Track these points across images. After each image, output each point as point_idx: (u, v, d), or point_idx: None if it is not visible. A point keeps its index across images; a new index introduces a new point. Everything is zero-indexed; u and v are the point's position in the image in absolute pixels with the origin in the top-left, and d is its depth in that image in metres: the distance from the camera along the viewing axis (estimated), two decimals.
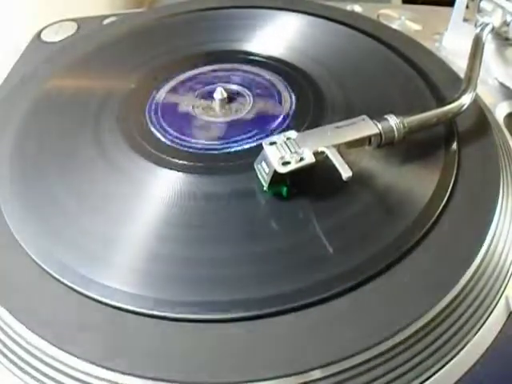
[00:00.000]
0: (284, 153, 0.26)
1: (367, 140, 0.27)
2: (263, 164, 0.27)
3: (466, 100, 0.30)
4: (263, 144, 0.27)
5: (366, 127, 0.27)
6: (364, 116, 0.28)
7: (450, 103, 0.29)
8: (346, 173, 0.25)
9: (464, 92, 0.30)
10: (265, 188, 0.27)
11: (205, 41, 0.39)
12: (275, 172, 0.26)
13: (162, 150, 0.30)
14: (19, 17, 0.56)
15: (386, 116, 0.28)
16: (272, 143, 0.27)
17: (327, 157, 0.26)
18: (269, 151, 0.26)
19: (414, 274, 0.24)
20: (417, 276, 0.24)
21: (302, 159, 0.26)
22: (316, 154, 0.26)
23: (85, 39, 0.42)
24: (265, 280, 0.24)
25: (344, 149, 0.27)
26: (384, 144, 0.28)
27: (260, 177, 0.27)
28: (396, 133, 0.27)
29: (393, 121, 0.28)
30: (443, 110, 0.29)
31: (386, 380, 0.22)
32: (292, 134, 0.27)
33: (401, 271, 0.24)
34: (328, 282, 0.24)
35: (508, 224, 0.27)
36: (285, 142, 0.26)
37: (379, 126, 0.27)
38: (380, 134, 0.27)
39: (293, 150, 0.26)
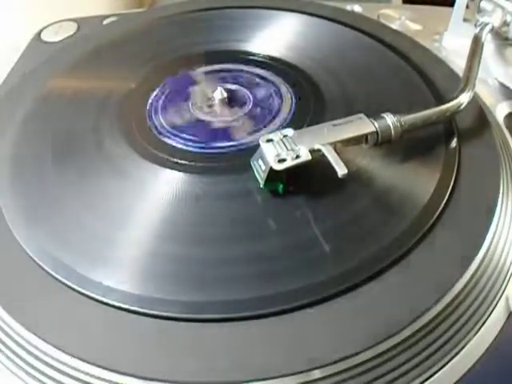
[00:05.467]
0: (280, 150, 0.26)
1: (364, 138, 0.28)
2: (260, 161, 0.27)
3: (464, 99, 0.30)
4: (260, 141, 0.27)
5: (363, 125, 0.27)
6: (361, 114, 0.28)
7: (447, 102, 0.29)
8: (341, 170, 0.25)
9: (462, 91, 0.30)
10: (261, 185, 0.27)
11: (205, 41, 0.39)
12: (271, 169, 0.26)
13: (162, 150, 0.30)
14: (19, 17, 0.56)
15: (383, 114, 0.28)
16: (269, 140, 0.27)
17: (323, 154, 0.26)
18: (265, 148, 0.26)
19: (413, 273, 0.24)
20: (416, 276, 0.24)
21: (298, 157, 0.26)
22: (312, 151, 0.26)
23: (85, 39, 0.42)
24: (264, 280, 0.24)
25: (341, 147, 0.27)
26: (381, 142, 0.28)
27: (256, 174, 0.27)
28: (393, 131, 0.27)
29: (390, 119, 0.28)
30: (441, 109, 0.29)
31: (385, 380, 0.22)
32: (289, 131, 0.27)
33: (400, 271, 0.24)
34: (327, 282, 0.24)
35: (508, 224, 0.27)
36: (281, 140, 0.27)
37: (376, 124, 0.27)
38: (377, 133, 0.27)
39: (289, 148, 0.26)
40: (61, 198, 0.29)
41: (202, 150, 0.30)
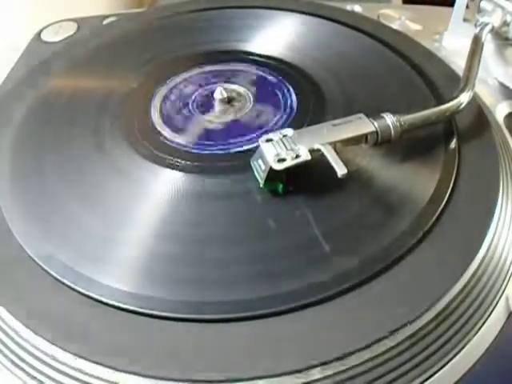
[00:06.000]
0: (280, 150, 0.26)
1: (363, 138, 0.28)
2: (259, 161, 0.27)
3: (463, 99, 0.30)
4: (259, 141, 0.27)
5: (363, 125, 0.27)
6: (360, 114, 0.28)
7: (447, 102, 0.29)
8: (341, 170, 0.25)
9: (462, 91, 0.30)
10: (261, 185, 0.27)
11: (205, 41, 0.39)
12: (271, 169, 0.26)
13: (163, 150, 0.30)
14: (19, 17, 0.56)
15: (382, 114, 0.28)
16: (268, 140, 0.27)
17: (323, 154, 0.26)
18: (265, 148, 0.26)
19: (413, 274, 0.24)
20: (416, 276, 0.24)
21: (297, 156, 0.26)
22: (312, 151, 0.26)
23: (85, 39, 0.42)
24: (265, 280, 0.24)
25: (340, 146, 0.27)
26: (381, 142, 0.28)
27: (256, 174, 0.27)
28: (392, 131, 0.27)
29: (389, 119, 0.28)
30: (441, 109, 0.29)
31: (385, 380, 0.22)
32: (288, 131, 0.27)
33: (400, 271, 0.24)
34: (327, 282, 0.24)
35: (508, 224, 0.27)
36: (281, 140, 0.27)
37: (375, 124, 0.27)
38: (376, 132, 0.27)
39: (289, 148, 0.26)
40: (61, 197, 0.29)
41: (202, 150, 0.30)
